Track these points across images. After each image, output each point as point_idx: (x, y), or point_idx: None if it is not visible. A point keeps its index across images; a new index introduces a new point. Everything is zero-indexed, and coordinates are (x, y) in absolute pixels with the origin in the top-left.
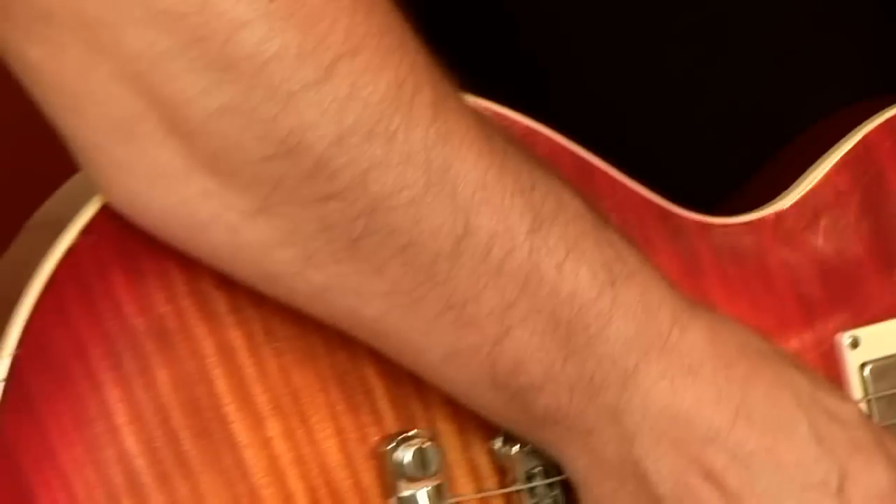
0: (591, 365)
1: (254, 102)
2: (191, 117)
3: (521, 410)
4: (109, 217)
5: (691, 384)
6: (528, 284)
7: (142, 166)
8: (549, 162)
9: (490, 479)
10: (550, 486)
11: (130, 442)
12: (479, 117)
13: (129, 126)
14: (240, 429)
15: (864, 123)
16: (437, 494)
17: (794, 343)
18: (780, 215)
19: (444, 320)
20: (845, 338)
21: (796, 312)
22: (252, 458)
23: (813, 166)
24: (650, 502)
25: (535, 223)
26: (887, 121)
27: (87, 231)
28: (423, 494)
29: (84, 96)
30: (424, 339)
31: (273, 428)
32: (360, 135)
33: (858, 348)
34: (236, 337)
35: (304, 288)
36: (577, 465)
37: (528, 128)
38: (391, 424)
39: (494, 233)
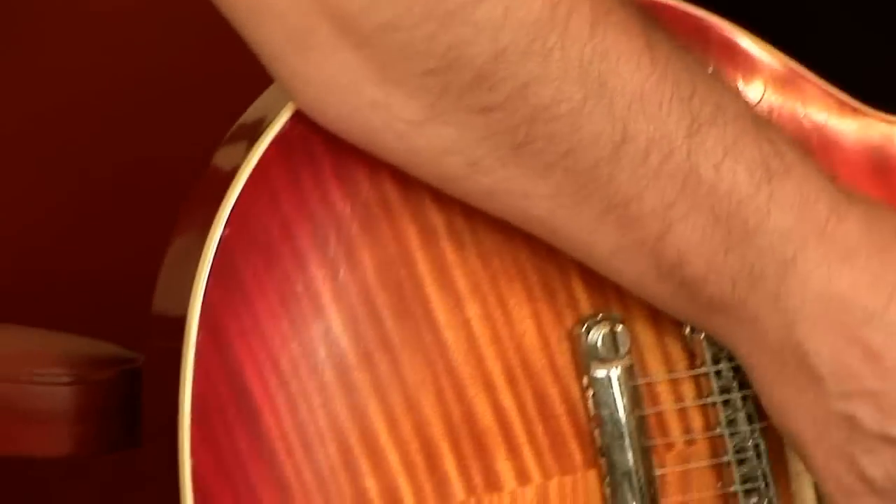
0: (751, 256)
1: (414, 20)
2: (358, 30)
3: (688, 300)
4: None
5: (848, 270)
6: (687, 185)
7: (316, 77)
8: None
9: (680, 363)
10: (736, 369)
11: (334, 320)
12: (645, 27)
13: (304, 37)
14: (440, 310)
15: None
16: (628, 375)
17: None
18: None
19: (607, 219)
20: None
21: None
22: (451, 338)
23: None
24: (811, 382)
25: (693, 127)
26: None
27: (295, 119)
28: (614, 375)
29: (263, 9)
30: (591, 237)
31: (472, 310)
32: (516, 52)
33: None
34: (438, 223)
35: (475, 189)
36: (743, 350)
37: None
38: (585, 307)
39: (652, 138)
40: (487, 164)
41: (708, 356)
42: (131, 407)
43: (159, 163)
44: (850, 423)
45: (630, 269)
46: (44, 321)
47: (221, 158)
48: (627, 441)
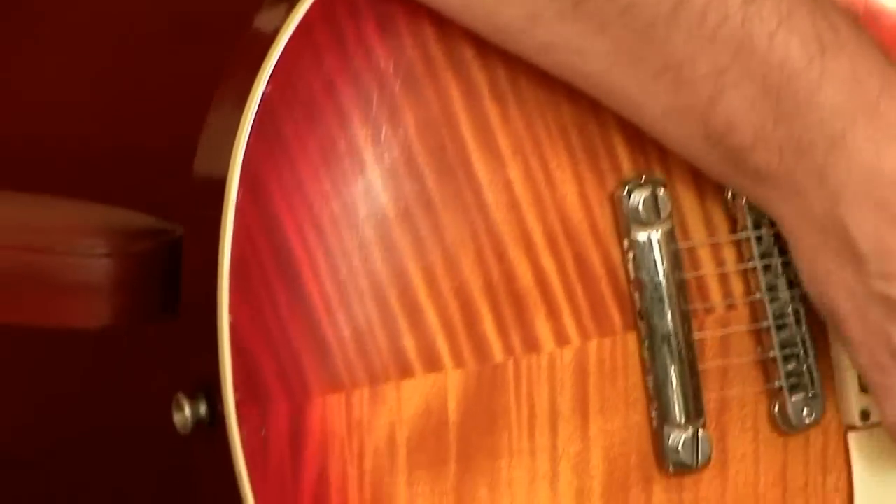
0: (799, 129)
1: None
2: None
3: (734, 167)
4: None
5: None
6: (741, 52)
7: None
8: None
9: (721, 227)
10: (777, 235)
11: (376, 179)
12: None
13: None
14: (482, 169)
15: None
16: (669, 239)
17: None
18: None
19: (661, 80)
20: None
21: None
22: (492, 198)
23: None
24: (851, 259)
25: None
26: None
27: None
28: (655, 238)
29: None
30: (643, 97)
31: (514, 170)
32: None
33: None
34: (481, 82)
35: (531, 44)
36: (785, 221)
37: None
38: (628, 170)
39: (709, 2)
40: (546, 17)
41: (749, 221)
42: (169, 279)
43: (205, 27)
44: (889, 303)
45: (679, 132)
46: (81, 192)
47: (263, 18)
48: (667, 305)
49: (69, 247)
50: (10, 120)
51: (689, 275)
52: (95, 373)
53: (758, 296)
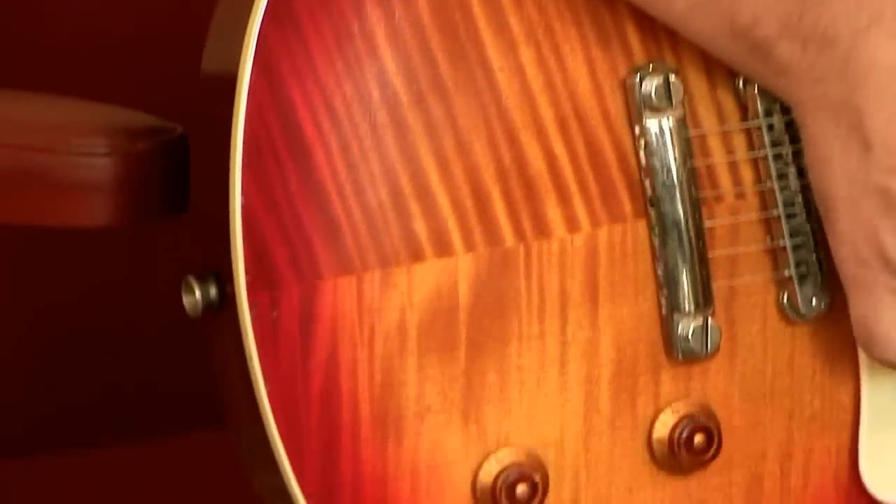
0: (825, 20)
1: None
2: None
3: (758, 60)
4: None
5: None
6: None
7: None
8: None
9: (732, 115)
10: (788, 123)
11: (389, 62)
12: None
13: None
14: (494, 54)
15: None
16: (681, 126)
17: None
18: None
19: None
20: None
21: None
22: (504, 81)
23: None
24: (859, 147)
25: None
26: None
27: None
28: (667, 125)
29: None
30: None
31: (526, 55)
32: None
33: None
34: None
35: None
36: (803, 109)
37: None
38: (640, 57)
39: None
40: None
41: (760, 109)
42: (169, 178)
43: None
44: (886, 198)
45: (705, 26)
46: (81, 91)
47: None
48: (678, 192)
49: (69, 146)
50: (10, 19)
51: (699, 163)
52: (103, 265)
53: (768, 184)
